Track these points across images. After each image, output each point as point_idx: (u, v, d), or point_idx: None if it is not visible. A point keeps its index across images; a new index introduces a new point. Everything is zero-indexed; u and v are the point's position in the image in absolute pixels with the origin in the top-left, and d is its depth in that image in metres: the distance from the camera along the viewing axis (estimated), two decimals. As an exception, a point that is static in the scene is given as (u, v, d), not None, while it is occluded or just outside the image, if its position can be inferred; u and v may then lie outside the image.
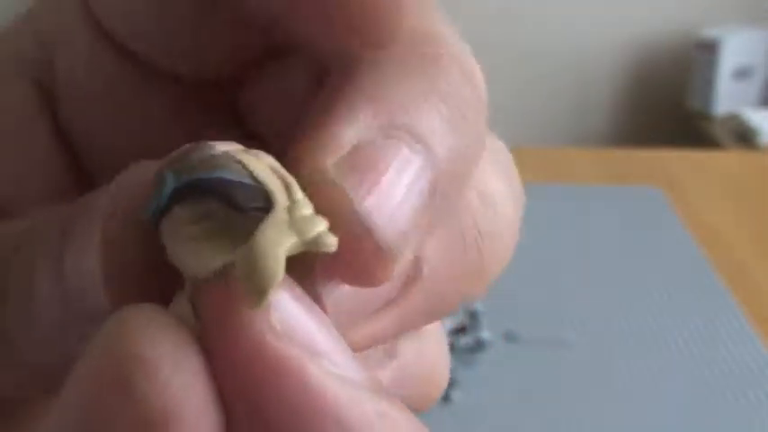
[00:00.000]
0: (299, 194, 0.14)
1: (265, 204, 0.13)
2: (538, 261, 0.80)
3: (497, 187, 0.18)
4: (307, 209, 0.14)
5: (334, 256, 0.14)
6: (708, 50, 1.88)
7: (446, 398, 0.65)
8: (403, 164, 0.15)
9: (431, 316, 0.17)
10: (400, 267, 0.15)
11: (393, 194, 0.14)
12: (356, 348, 0.15)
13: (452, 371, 0.70)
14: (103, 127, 0.19)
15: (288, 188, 0.14)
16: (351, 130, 0.15)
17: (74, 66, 0.19)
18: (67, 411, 0.13)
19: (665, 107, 2.06)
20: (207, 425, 0.13)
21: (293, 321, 0.13)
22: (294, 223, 0.13)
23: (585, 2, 2.01)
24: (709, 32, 1.89)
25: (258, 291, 0.13)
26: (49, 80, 0.19)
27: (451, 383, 0.66)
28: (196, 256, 0.13)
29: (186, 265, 0.13)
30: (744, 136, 1.72)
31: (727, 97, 1.88)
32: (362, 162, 0.14)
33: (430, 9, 0.17)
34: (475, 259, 0.17)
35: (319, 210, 0.14)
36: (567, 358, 0.69)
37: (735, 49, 1.87)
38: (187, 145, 0.14)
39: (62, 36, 0.19)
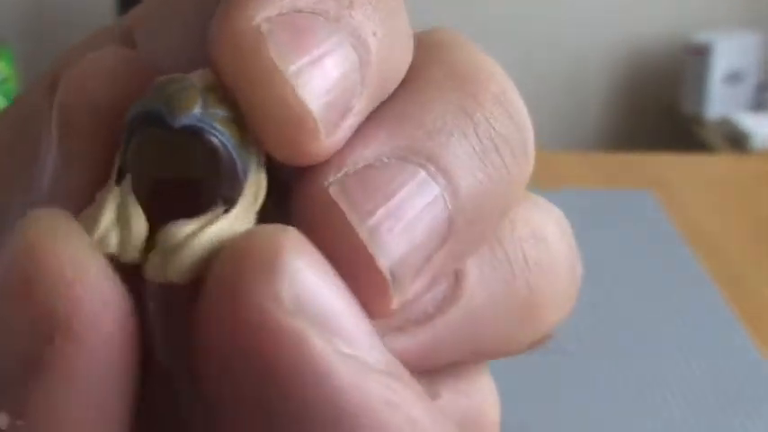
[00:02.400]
0: (262, 193, 0.13)
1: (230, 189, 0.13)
2: (530, 265, 0.80)
3: (550, 228, 0.17)
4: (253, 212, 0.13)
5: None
6: (700, 54, 1.88)
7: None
8: (419, 187, 0.14)
9: (472, 345, 0.16)
10: (430, 287, 0.14)
11: (403, 213, 0.13)
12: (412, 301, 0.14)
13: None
14: None
15: (258, 178, 0.13)
16: (365, 149, 0.14)
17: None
18: None
19: (657, 111, 2.06)
20: (112, 326, 0.12)
21: (307, 293, 0.12)
22: (236, 227, 0.13)
23: (577, 6, 2.01)
24: (701, 36, 1.89)
25: (163, 273, 0.13)
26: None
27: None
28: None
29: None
30: (736, 140, 1.72)
31: (719, 101, 1.88)
32: (372, 180, 0.13)
33: (468, 43, 0.16)
34: (522, 290, 0.16)
35: (318, 230, 0.13)
36: (560, 364, 0.69)
37: (727, 54, 1.87)
38: (199, 75, 0.13)
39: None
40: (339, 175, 0.13)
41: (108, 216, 0.13)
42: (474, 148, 0.14)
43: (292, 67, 0.13)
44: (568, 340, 0.71)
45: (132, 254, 0.13)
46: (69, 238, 0.12)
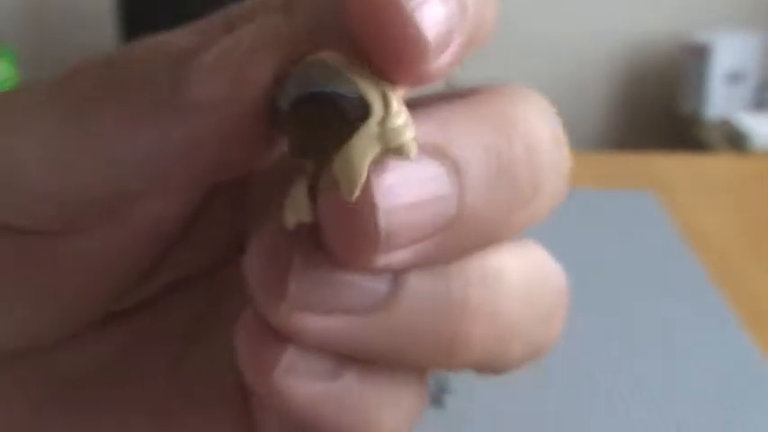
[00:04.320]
0: (394, 106, 0.16)
1: (366, 115, 0.16)
2: (530, 265, 0.80)
3: (515, 272, 0.18)
4: (400, 118, 0.16)
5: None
6: (700, 54, 1.88)
7: (439, 403, 0.65)
8: (434, 181, 0.16)
9: (395, 353, 0.17)
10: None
11: (410, 193, 0.15)
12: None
13: (445, 376, 0.70)
14: None
15: (385, 99, 0.16)
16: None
17: None
18: None
19: (656, 111, 2.06)
20: None
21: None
22: (383, 134, 0.15)
23: (577, 6, 2.01)
24: (701, 36, 1.89)
25: (348, 192, 0.15)
26: None
27: (444, 389, 0.66)
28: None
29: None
30: (735, 140, 1.72)
31: (719, 101, 1.88)
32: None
33: (529, 105, 0.18)
34: (447, 330, 0.17)
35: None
36: (559, 363, 0.69)
37: (727, 53, 1.87)
38: (308, 58, 0.16)
39: None
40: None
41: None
42: (493, 174, 0.16)
43: (411, 4, 0.15)
44: (568, 338, 0.71)
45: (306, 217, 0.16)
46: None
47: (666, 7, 2.01)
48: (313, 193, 0.16)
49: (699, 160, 1.10)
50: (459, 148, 0.16)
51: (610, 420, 0.63)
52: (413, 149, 0.15)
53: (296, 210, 0.16)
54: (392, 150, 0.15)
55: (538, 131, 0.17)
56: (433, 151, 0.16)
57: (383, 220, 0.15)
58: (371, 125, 0.15)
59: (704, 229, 0.89)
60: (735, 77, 1.90)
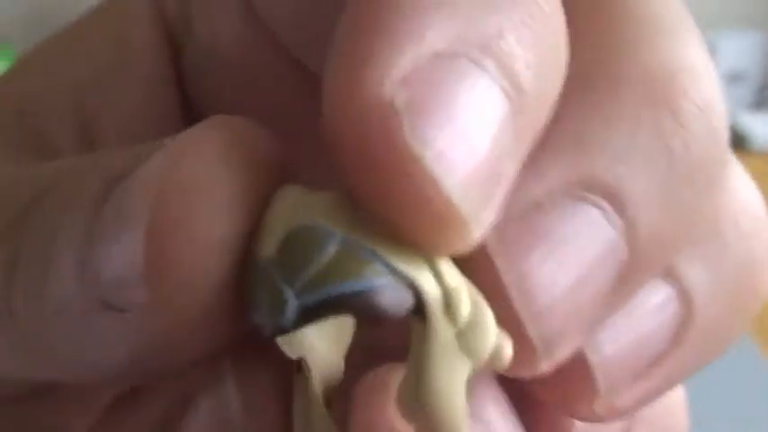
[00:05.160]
0: (446, 277, 0.10)
1: (414, 299, 0.10)
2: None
3: (749, 184, 0.14)
4: (458, 293, 0.10)
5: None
6: (700, 55, 1.88)
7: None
8: (592, 233, 0.11)
9: (701, 361, 0.14)
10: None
11: (568, 271, 0.11)
12: (626, 413, 0.13)
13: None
14: (226, 96, 0.16)
15: (431, 266, 0.10)
16: (539, 184, 0.11)
17: (218, 33, 0.15)
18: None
19: (657, 111, 2.06)
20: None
21: None
22: (462, 337, 0.10)
23: (578, 6, 2.01)
24: (702, 36, 1.89)
25: None
26: (182, 34, 0.16)
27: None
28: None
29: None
30: (736, 140, 1.72)
31: (720, 101, 1.88)
32: (536, 228, 0.11)
33: (674, 33, 0.12)
34: (744, 268, 0.13)
35: (473, 277, 0.11)
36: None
37: (728, 53, 1.87)
38: (290, 223, 0.11)
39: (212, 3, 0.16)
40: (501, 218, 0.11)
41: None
42: (665, 182, 0.11)
43: (431, 152, 0.10)
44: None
45: None
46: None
47: (667, 7, 2.00)
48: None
49: (699, 160, 1.10)
50: (606, 164, 0.11)
51: (609, 420, 0.63)
52: (508, 351, 0.11)
53: None
54: (486, 365, 0.10)
55: (691, 59, 0.12)
56: (578, 195, 0.11)
57: (541, 336, 0.11)
58: (438, 325, 0.10)
59: (704, 229, 0.89)
60: (735, 77, 1.89)
